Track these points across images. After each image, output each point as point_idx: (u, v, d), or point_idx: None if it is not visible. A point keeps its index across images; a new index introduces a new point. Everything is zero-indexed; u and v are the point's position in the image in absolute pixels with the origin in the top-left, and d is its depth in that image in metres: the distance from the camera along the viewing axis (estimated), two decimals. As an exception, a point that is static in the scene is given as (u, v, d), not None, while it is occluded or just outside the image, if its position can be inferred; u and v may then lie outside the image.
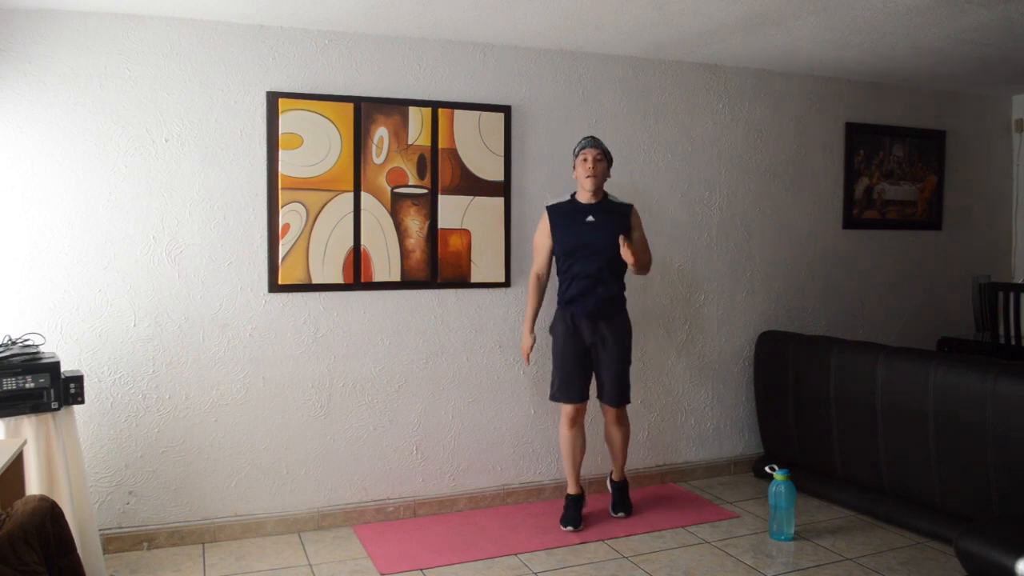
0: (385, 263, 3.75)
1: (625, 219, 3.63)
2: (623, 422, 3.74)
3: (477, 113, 3.87)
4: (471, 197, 3.88)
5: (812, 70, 4.58)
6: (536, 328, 3.77)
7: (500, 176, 3.93)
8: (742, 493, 4.20)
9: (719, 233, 4.48)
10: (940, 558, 3.31)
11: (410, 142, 3.76)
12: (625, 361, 3.66)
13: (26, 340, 3.01)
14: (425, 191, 3.80)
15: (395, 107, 3.73)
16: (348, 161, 3.66)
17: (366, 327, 3.74)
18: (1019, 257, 5.46)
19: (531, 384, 4.05)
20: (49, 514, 2.13)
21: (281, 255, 3.57)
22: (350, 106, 3.65)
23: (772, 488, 3.55)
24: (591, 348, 3.62)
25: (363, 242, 3.70)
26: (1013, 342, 4.42)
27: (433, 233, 3.82)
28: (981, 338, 4.76)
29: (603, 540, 3.54)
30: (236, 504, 3.56)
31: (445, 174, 3.83)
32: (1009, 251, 5.49)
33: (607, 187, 3.73)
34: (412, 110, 3.76)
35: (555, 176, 4.02)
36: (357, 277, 3.70)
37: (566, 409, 3.68)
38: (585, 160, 3.57)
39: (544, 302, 3.77)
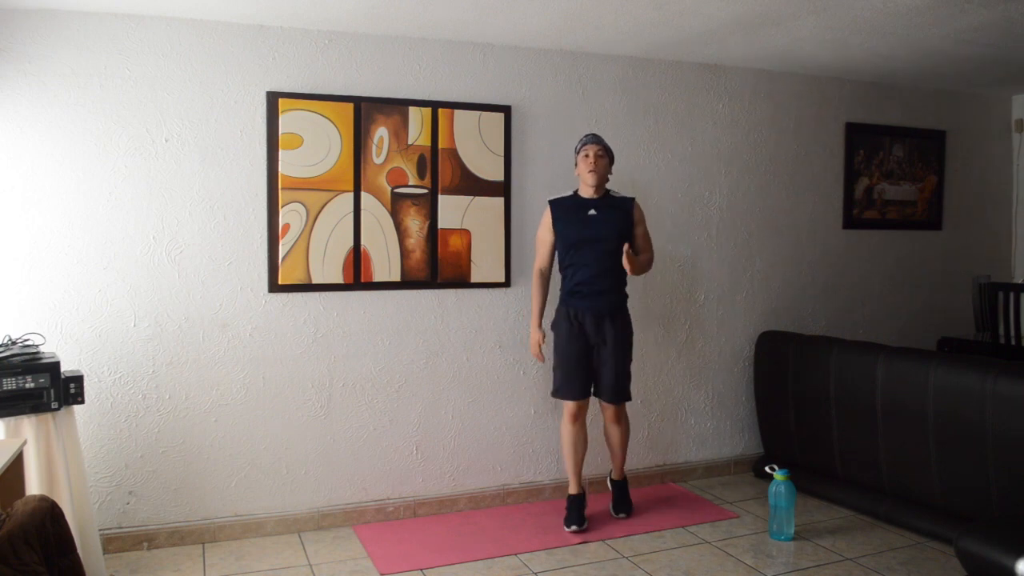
0: (385, 263, 3.75)
1: (628, 213, 3.64)
2: (622, 420, 3.74)
3: (477, 113, 3.87)
4: (471, 197, 3.88)
5: (812, 70, 4.58)
6: (548, 324, 3.77)
7: (500, 176, 3.93)
8: (742, 493, 4.20)
9: (719, 233, 4.48)
10: (940, 558, 3.31)
11: (410, 142, 3.76)
12: (626, 358, 3.67)
13: (26, 340, 3.01)
14: (425, 191, 3.80)
15: (395, 107, 3.73)
16: (348, 161, 3.66)
17: (366, 327, 3.74)
18: (1019, 257, 5.46)
19: (531, 384, 4.05)
20: (49, 514, 2.13)
21: (281, 255, 3.57)
22: (350, 106, 3.65)
23: (772, 488, 3.55)
24: (593, 345, 3.62)
25: (363, 242, 3.70)
26: (1013, 342, 4.42)
27: (433, 233, 3.82)
28: (981, 338, 4.76)
29: (603, 540, 3.54)
30: (236, 504, 3.56)
31: (445, 174, 3.83)
32: (1009, 251, 5.49)
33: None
34: (412, 110, 3.76)
35: (555, 176, 4.02)
36: (357, 277, 3.70)
37: (568, 406, 3.68)
38: (587, 156, 3.58)
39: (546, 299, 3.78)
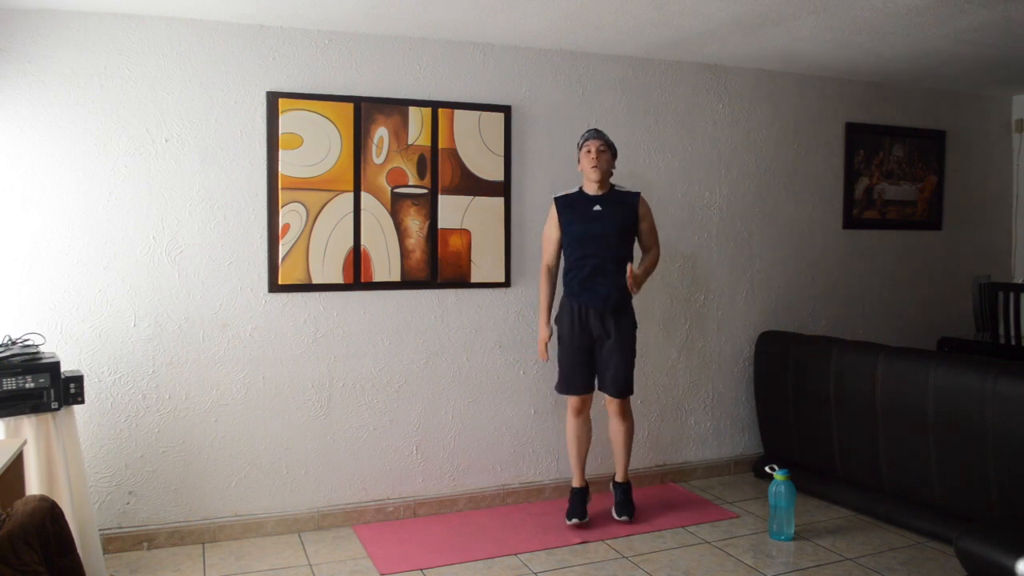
0: (385, 263, 3.75)
1: (632, 208, 3.65)
2: (627, 415, 3.72)
3: (477, 113, 3.87)
4: (471, 197, 3.88)
5: (812, 70, 4.58)
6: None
7: (500, 176, 3.93)
8: (742, 493, 4.20)
9: (719, 233, 4.48)
10: (940, 558, 3.31)
11: (410, 142, 3.76)
12: (630, 353, 3.66)
13: (26, 340, 3.01)
14: (425, 191, 3.80)
15: (395, 107, 3.73)
16: (348, 161, 3.66)
17: (366, 327, 3.74)
18: (1019, 257, 5.46)
19: (531, 384, 4.05)
20: (49, 514, 2.13)
21: (281, 255, 3.57)
22: (350, 106, 3.65)
23: (772, 488, 3.55)
24: (597, 340, 3.62)
25: (363, 242, 3.70)
26: (1013, 342, 4.42)
27: (433, 233, 3.82)
28: (981, 338, 4.76)
29: (603, 540, 3.54)
30: (236, 504, 3.56)
31: (445, 174, 3.83)
32: (1009, 251, 5.49)
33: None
34: (412, 110, 3.76)
35: (555, 176, 4.02)
36: (357, 277, 3.70)
37: (571, 400, 3.71)
38: (589, 152, 3.59)
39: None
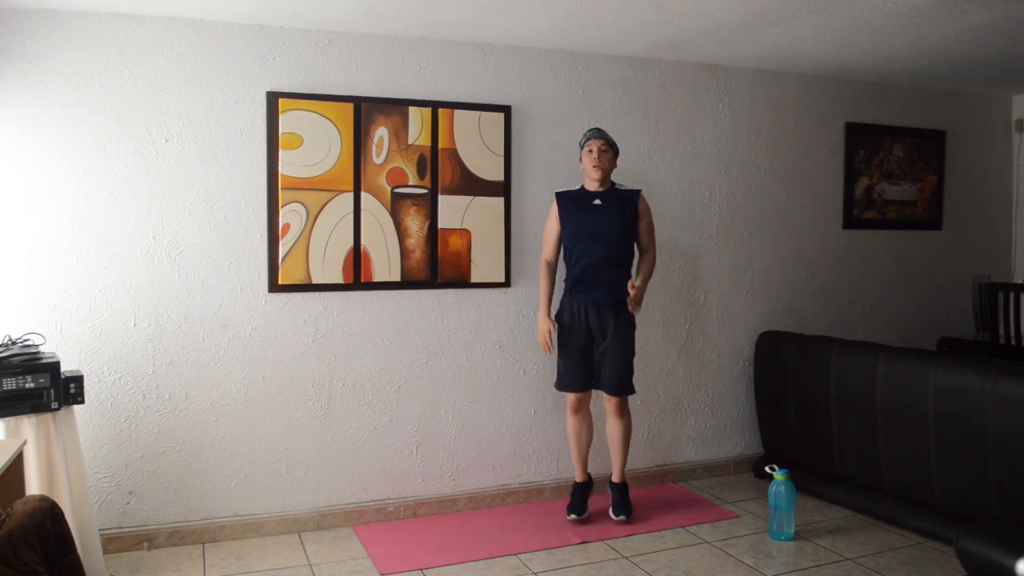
0: (385, 263, 3.75)
1: (633, 205, 3.66)
2: (624, 414, 3.72)
3: (477, 113, 3.87)
4: (471, 197, 3.88)
5: (812, 70, 4.58)
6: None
7: (500, 176, 3.93)
8: (742, 493, 4.20)
9: (719, 233, 4.48)
10: (940, 558, 3.31)
11: (410, 142, 3.76)
12: (628, 351, 3.66)
13: (26, 340, 3.01)
14: (425, 191, 3.80)
15: (395, 107, 3.73)
16: (348, 161, 3.66)
17: (366, 327, 3.74)
18: (1019, 257, 5.46)
19: (531, 384, 4.05)
20: (49, 514, 2.13)
21: (281, 255, 3.57)
22: (350, 106, 3.65)
23: (772, 488, 3.55)
24: (595, 337, 3.63)
25: (363, 242, 3.70)
26: (1013, 342, 4.42)
27: (433, 233, 3.82)
28: (981, 338, 4.76)
29: (603, 540, 3.54)
30: (236, 504, 3.56)
31: (445, 174, 3.83)
32: (1009, 251, 5.49)
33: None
34: (412, 110, 3.76)
35: (555, 176, 4.02)
36: (357, 277, 3.70)
37: (569, 397, 3.73)
38: (591, 151, 3.61)
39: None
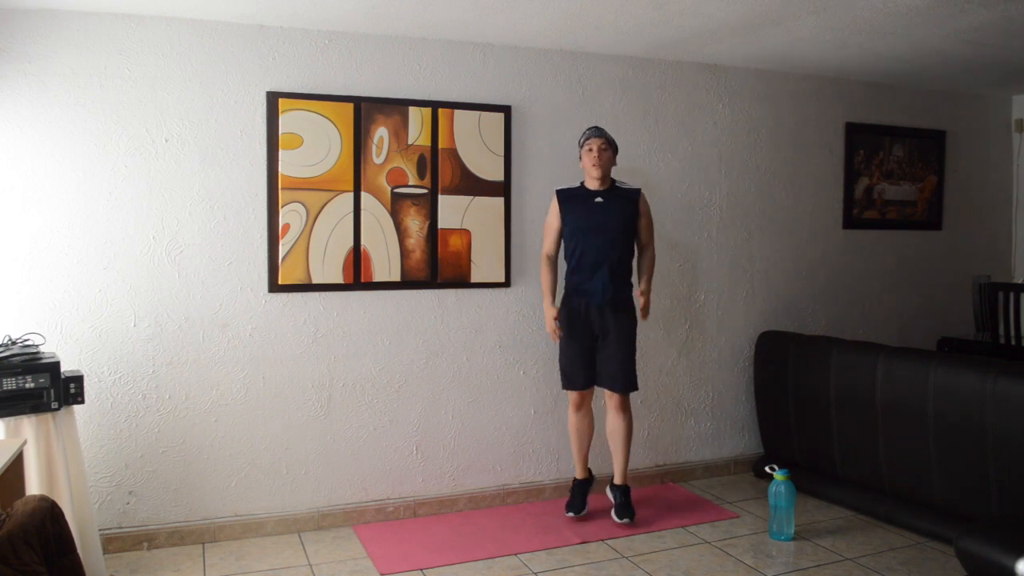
0: (385, 263, 3.75)
1: (633, 204, 3.67)
2: (626, 411, 3.70)
3: (477, 113, 3.87)
4: (471, 197, 3.88)
5: (812, 70, 4.58)
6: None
7: (500, 176, 3.93)
8: (742, 493, 4.20)
9: (719, 233, 4.48)
10: (940, 558, 3.31)
11: (410, 142, 3.76)
12: (629, 349, 3.66)
13: (26, 340, 3.01)
14: (425, 191, 3.80)
15: (395, 107, 3.73)
16: (348, 161, 3.66)
17: (366, 327, 3.74)
18: (1019, 257, 5.46)
19: (531, 384, 4.05)
20: (49, 514, 2.13)
21: (281, 255, 3.57)
22: (350, 106, 3.65)
23: (772, 488, 3.55)
24: (597, 335, 3.64)
25: (363, 242, 3.70)
26: (1013, 342, 4.42)
27: (433, 233, 3.82)
28: (981, 338, 4.76)
29: (603, 540, 3.54)
30: (236, 504, 3.56)
31: (445, 174, 3.83)
32: (1009, 251, 5.49)
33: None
34: (412, 110, 3.76)
35: (555, 176, 4.02)
36: (357, 277, 3.70)
37: (571, 395, 3.75)
38: (591, 150, 3.62)
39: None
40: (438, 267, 3.83)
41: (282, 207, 3.56)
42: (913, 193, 5.09)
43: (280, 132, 3.54)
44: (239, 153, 3.51)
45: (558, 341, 3.72)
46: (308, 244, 3.60)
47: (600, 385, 3.71)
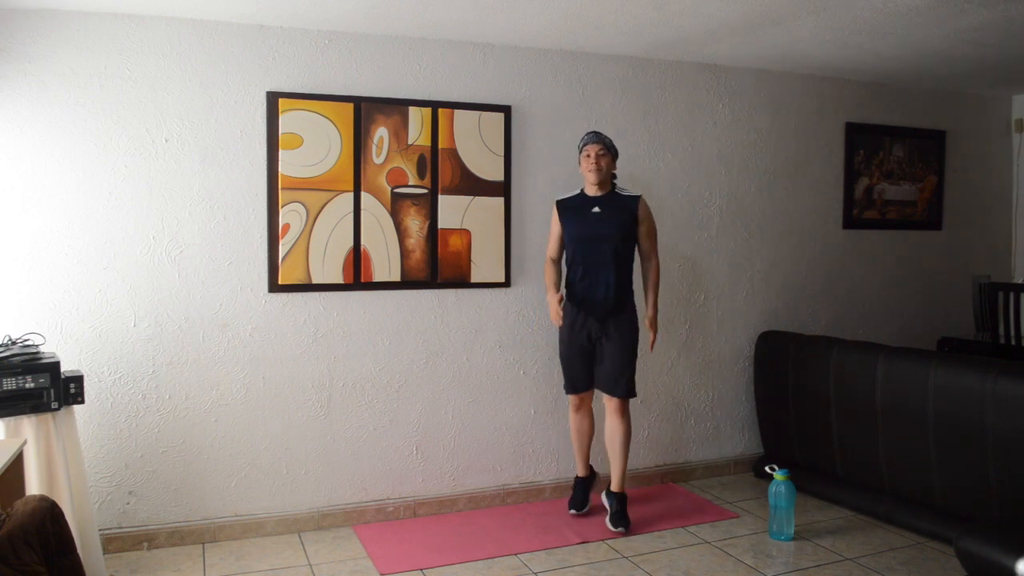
0: (385, 263, 3.75)
1: (632, 211, 3.65)
2: (624, 416, 3.68)
3: (477, 113, 3.87)
4: (471, 197, 3.88)
5: (812, 70, 4.58)
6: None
7: (500, 176, 3.93)
8: (742, 493, 4.20)
9: (719, 233, 4.48)
10: (940, 558, 3.31)
11: (410, 142, 3.76)
12: (628, 354, 3.64)
13: (26, 340, 3.01)
14: (425, 191, 3.80)
15: (395, 107, 3.73)
16: (348, 161, 3.66)
17: (366, 327, 3.74)
18: (1019, 257, 5.46)
19: (531, 384, 4.05)
20: (49, 514, 2.13)
21: (281, 255, 3.57)
22: (350, 106, 3.65)
23: (772, 488, 3.55)
24: (596, 341, 3.63)
25: (363, 242, 3.70)
26: (1013, 342, 4.42)
27: (433, 233, 3.82)
28: (981, 338, 4.76)
29: (603, 540, 3.54)
30: (236, 504, 3.56)
31: (445, 174, 3.83)
32: (1009, 251, 5.49)
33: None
34: (412, 110, 3.76)
35: (555, 176, 4.02)
36: (357, 277, 3.70)
37: (571, 397, 3.77)
38: (588, 156, 3.61)
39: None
40: (438, 267, 3.83)
41: (282, 207, 3.56)
42: (913, 193, 5.09)
43: (280, 132, 3.54)
44: (239, 153, 3.51)
45: (559, 324, 3.65)
46: (308, 244, 3.60)
47: (599, 389, 3.70)
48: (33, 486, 2.71)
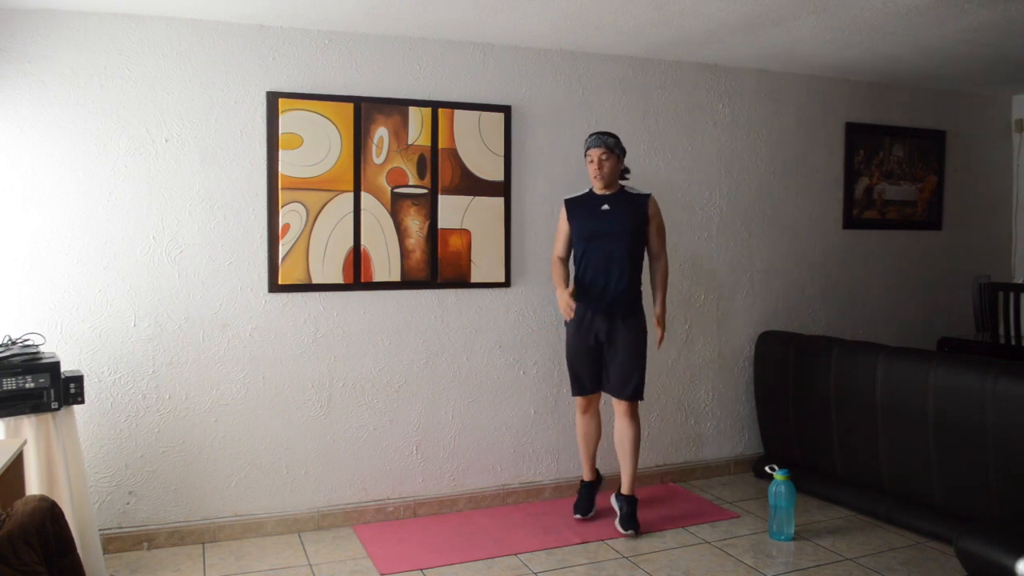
0: (385, 263, 3.75)
1: (642, 209, 3.64)
2: (634, 418, 3.66)
3: (477, 113, 3.87)
4: (471, 197, 3.88)
5: (812, 70, 4.58)
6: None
7: (500, 176, 3.93)
8: (742, 493, 4.20)
9: (719, 233, 4.48)
10: (940, 558, 3.31)
11: (410, 142, 3.76)
12: (637, 356, 3.61)
13: (26, 340, 3.01)
14: (425, 191, 3.80)
15: (395, 107, 3.73)
16: (348, 161, 3.66)
17: (366, 327, 3.74)
18: (1019, 257, 5.46)
19: (531, 384, 4.05)
20: (49, 514, 2.13)
21: (281, 255, 3.57)
22: (350, 106, 3.65)
23: (772, 488, 3.55)
24: (603, 342, 3.61)
25: (363, 242, 3.70)
26: (1013, 342, 4.42)
27: (433, 233, 3.82)
28: (981, 338, 4.76)
29: (603, 540, 3.54)
30: (236, 504, 3.56)
31: (445, 174, 3.83)
32: (1009, 251, 5.49)
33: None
34: (412, 110, 3.76)
35: (555, 176, 4.02)
36: (357, 277, 3.70)
37: (577, 399, 3.74)
38: (591, 161, 3.60)
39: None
40: (438, 267, 3.83)
41: (282, 207, 3.56)
42: (913, 193, 5.09)
43: (280, 132, 3.54)
44: (239, 153, 3.51)
45: (571, 316, 3.55)
46: (308, 244, 3.60)
47: (608, 392, 3.69)
48: (33, 486, 2.71)
